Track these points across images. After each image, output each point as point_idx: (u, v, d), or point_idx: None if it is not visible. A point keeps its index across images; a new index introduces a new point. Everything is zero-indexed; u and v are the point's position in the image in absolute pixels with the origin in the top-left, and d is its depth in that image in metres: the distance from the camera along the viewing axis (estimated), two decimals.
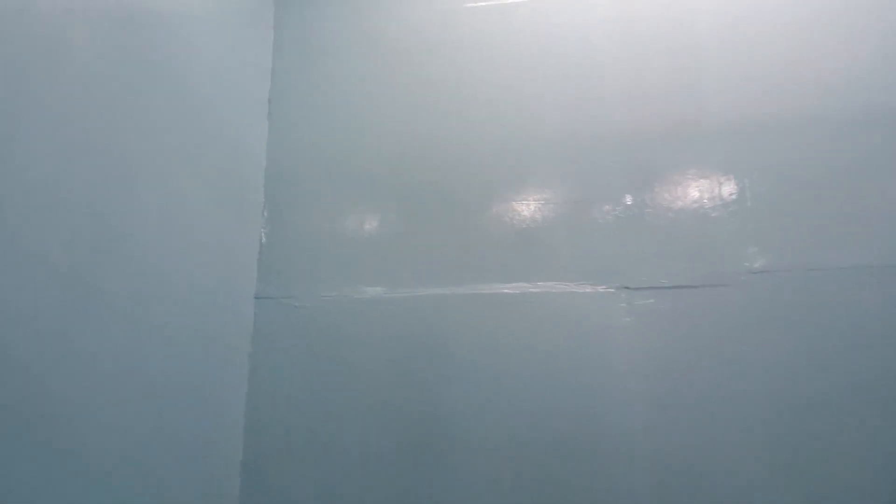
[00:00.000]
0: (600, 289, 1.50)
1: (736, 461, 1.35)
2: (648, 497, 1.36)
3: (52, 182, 1.02)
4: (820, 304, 1.39)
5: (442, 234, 1.61)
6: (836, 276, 1.40)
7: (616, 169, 1.57)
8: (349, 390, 1.54)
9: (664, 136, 1.56)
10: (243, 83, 1.68)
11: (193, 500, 1.34)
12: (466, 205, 1.62)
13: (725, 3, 1.60)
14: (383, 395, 1.53)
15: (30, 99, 0.99)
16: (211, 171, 1.48)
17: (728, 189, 1.50)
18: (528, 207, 1.59)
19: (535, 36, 1.70)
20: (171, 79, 1.36)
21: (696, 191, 1.51)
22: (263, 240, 1.69)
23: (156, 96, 1.30)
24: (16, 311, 0.94)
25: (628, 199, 1.54)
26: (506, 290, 1.54)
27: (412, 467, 1.47)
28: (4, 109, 0.94)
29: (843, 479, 1.30)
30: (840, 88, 1.50)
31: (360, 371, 1.55)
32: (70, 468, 1.02)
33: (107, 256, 1.12)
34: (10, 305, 0.93)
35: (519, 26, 1.72)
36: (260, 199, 1.71)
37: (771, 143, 1.50)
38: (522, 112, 1.65)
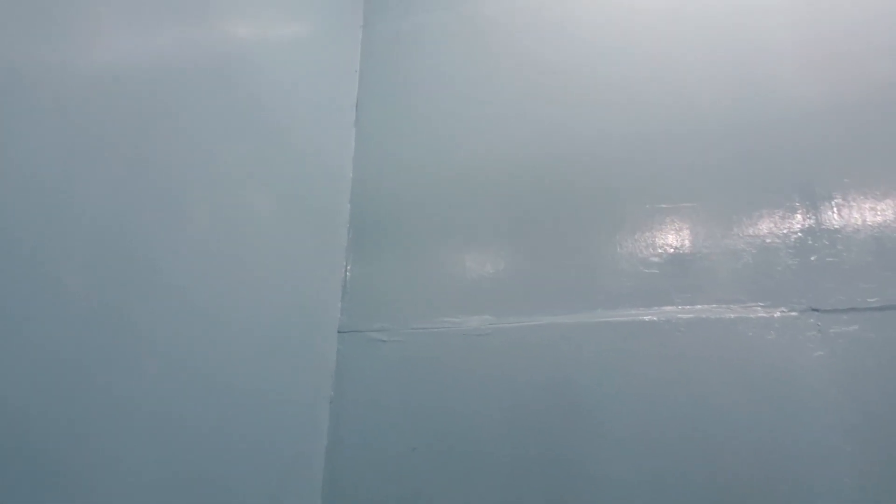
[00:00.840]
0: (778, 313, 1.13)
1: None
2: None
3: (63, 193, 0.82)
4: None
5: (562, 249, 1.31)
6: None
7: (795, 155, 1.21)
8: (452, 444, 1.25)
9: (861, 108, 1.19)
10: (325, 87, 1.51)
11: None
12: (593, 213, 1.31)
13: None
14: (495, 450, 1.22)
15: (34, 100, 0.80)
16: (283, 187, 1.29)
17: None
18: (673, 213, 1.25)
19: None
20: (235, 83, 1.17)
21: None
22: (348, 265, 1.45)
23: (217, 104, 1.12)
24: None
25: (814, 194, 1.16)
26: (646, 318, 1.21)
27: None
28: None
29: None
30: None
31: (465, 420, 1.26)
32: None
33: (137, 284, 0.91)
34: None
35: None
36: (345, 217, 1.48)
37: None
38: (665, 97, 1.33)
